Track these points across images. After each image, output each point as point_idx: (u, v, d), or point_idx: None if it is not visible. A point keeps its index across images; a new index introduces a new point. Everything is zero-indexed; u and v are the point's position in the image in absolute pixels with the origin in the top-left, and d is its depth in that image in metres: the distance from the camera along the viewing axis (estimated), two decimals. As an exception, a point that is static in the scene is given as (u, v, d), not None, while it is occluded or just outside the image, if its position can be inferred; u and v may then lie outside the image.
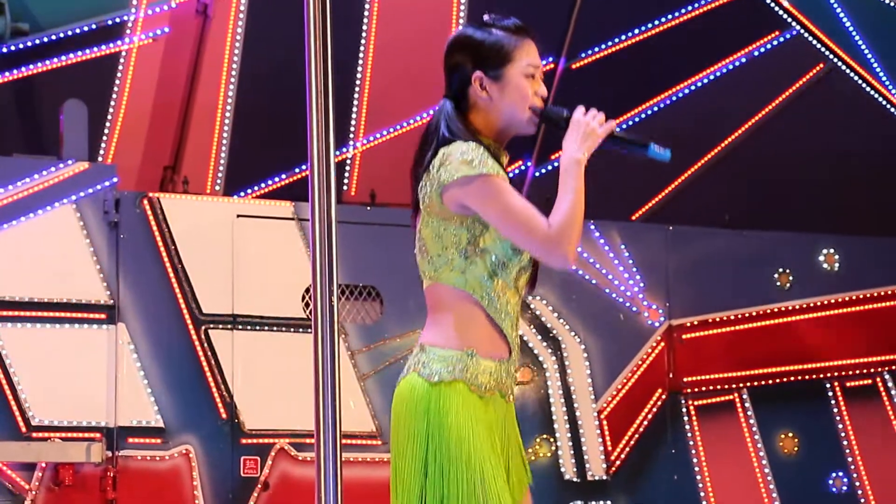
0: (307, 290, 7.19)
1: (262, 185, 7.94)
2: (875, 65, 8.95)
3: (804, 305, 8.34)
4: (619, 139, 3.53)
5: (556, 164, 8.46)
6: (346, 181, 8.04)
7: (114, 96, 7.69)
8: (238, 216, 7.25)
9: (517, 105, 3.51)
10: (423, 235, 3.49)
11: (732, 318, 8.19)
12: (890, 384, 8.44)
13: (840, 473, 8.27)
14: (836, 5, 8.93)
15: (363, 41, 8.08)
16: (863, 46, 8.95)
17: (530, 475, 3.56)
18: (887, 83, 8.96)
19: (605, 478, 7.73)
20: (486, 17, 3.57)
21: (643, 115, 8.64)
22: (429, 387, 3.40)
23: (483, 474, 3.34)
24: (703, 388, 8.07)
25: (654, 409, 7.93)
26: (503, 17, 3.57)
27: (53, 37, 7.60)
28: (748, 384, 8.16)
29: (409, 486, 3.42)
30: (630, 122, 8.59)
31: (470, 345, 3.42)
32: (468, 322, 3.44)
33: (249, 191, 7.86)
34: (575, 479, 7.68)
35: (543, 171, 8.38)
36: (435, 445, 3.38)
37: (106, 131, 7.66)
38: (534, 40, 3.56)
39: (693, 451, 7.98)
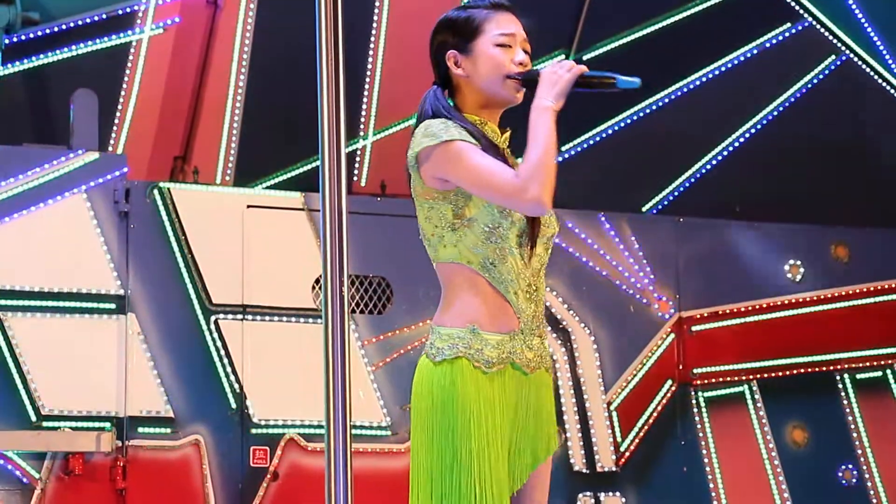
0: (317, 281, 7.19)
1: (273, 175, 7.94)
2: (887, 56, 8.93)
3: (815, 297, 8.33)
4: (587, 80, 3.50)
5: (567, 155, 8.47)
6: (356, 172, 8.04)
7: (124, 86, 7.70)
8: (248, 206, 7.24)
9: (490, 74, 3.53)
10: (419, 221, 3.54)
11: (743, 309, 8.18)
12: (900, 376, 8.44)
13: (850, 465, 8.26)
14: (848, -3, 8.92)
15: (374, 32, 8.08)
16: (875, 38, 8.93)
17: (549, 448, 3.54)
18: (899, 74, 8.95)
19: (614, 469, 7.73)
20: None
21: (654, 107, 8.63)
22: (433, 366, 3.44)
23: (484, 452, 3.37)
24: (713, 380, 8.07)
25: (664, 401, 7.92)
26: None
27: (64, 26, 7.61)
28: (758, 376, 8.16)
29: (420, 466, 3.44)
30: (641, 114, 8.58)
31: (472, 320, 3.44)
32: (471, 296, 3.46)
33: (260, 181, 7.87)
34: (585, 471, 7.68)
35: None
36: (437, 424, 3.40)
37: (116, 121, 7.66)
38: (513, 13, 3.58)
39: (703, 443, 7.98)
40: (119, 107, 7.68)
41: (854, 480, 8.25)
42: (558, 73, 3.47)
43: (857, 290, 8.42)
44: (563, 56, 8.44)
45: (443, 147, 3.41)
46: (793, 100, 8.89)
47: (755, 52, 8.79)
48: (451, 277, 3.48)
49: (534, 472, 3.53)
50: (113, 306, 6.94)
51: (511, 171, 3.38)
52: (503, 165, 3.40)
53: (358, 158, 8.06)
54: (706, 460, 7.96)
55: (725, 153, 8.81)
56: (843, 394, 8.32)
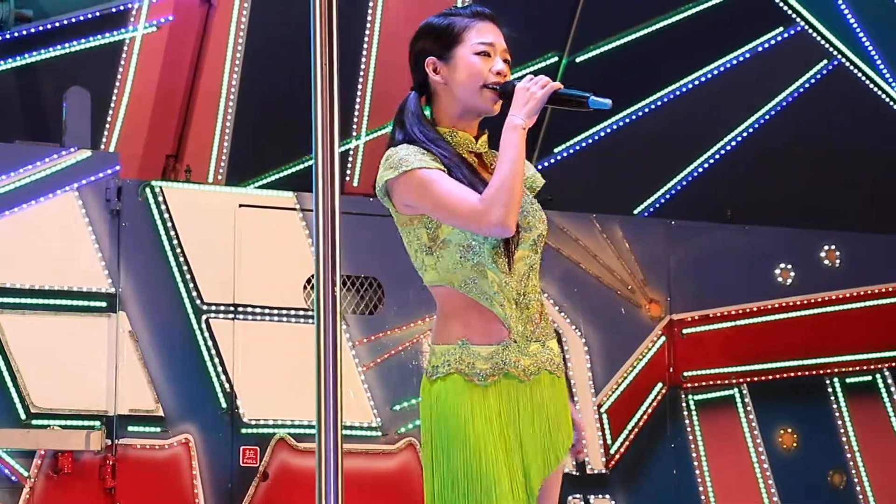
0: (309, 281, 7.19)
1: (265, 175, 7.94)
2: (879, 61, 8.95)
3: (805, 301, 8.34)
4: (560, 97, 3.48)
5: (559, 157, 8.47)
6: (348, 172, 8.04)
7: (117, 84, 7.69)
8: (240, 206, 7.24)
9: (468, 83, 3.52)
10: (405, 247, 3.55)
11: (733, 313, 8.19)
12: (890, 381, 8.45)
13: (839, 469, 8.27)
14: (840, 1, 8.92)
15: (367, 33, 8.08)
16: (867, 43, 8.94)
17: (558, 452, 3.50)
18: (891, 80, 8.96)
19: (604, 472, 7.74)
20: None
21: (646, 110, 8.64)
22: (430, 385, 3.46)
23: (478, 462, 3.36)
24: (704, 383, 8.08)
25: (655, 404, 7.93)
26: (471, 6, 3.59)
27: (57, 24, 7.60)
28: (748, 379, 8.17)
29: (427, 479, 3.46)
30: (633, 117, 8.59)
31: (461, 335, 3.44)
32: (458, 313, 3.45)
33: (252, 180, 7.86)
34: (574, 473, 7.68)
35: (545, 164, 8.38)
36: (436, 440, 3.42)
37: (109, 119, 7.65)
38: (494, 23, 3.57)
39: (693, 446, 7.99)
40: (112, 105, 7.68)
41: (843, 485, 8.26)
42: (531, 90, 3.44)
43: (848, 295, 8.43)
44: (556, 59, 8.44)
45: (403, 178, 3.42)
46: (785, 104, 8.90)
47: (748, 55, 8.80)
48: (439, 298, 3.50)
49: (548, 476, 3.50)
50: (104, 304, 6.94)
51: (474, 195, 3.36)
52: (466, 190, 3.38)
53: (350, 159, 8.06)
54: (696, 463, 7.97)
55: (717, 157, 8.82)
56: (832, 398, 8.33)
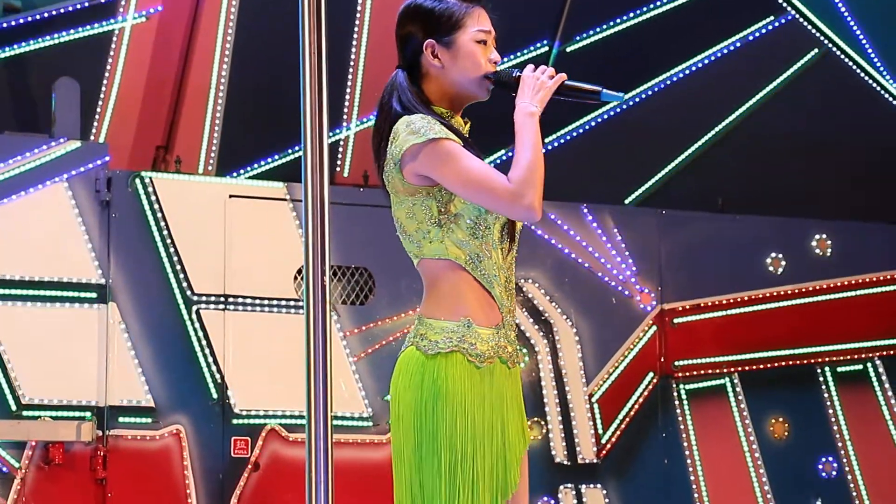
0: (299, 271, 7.18)
1: (255, 165, 7.93)
2: (869, 50, 8.95)
3: (796, 290, 8.35)
4: (571, 88, 3.52)
5: (549, 146, 8.46)
6: (339, 162, 8.04)
7: (106, 75, 7.67)
8: (230, 196, 7.23)
9: (469, 70, 3.53)
10: (397, 216, 3.51)
11: (724, 302, 8.20)
12: (881, 369, 8.46)
13: (830, 458, 8.29)
14: (831, -10, 8.93)
15: (357, 23, 8.07)
16: (857, 31, 8.94)
17: (528, 439, 3.53)
18: (881, 69, 8.96)
19: (595, 461, 7.74)
20: None
21: (637, 99, 8.63)
22: (425, 359, 3.40)
23: (470, 449, 3.36)
24: (695, 373, 8.08)
25: (646, 393, 7.94)
26: None
27: (46, 14, 7.57)
28: (739, 369, 8.18)
29: (404, 458, 3.41)
30: (624, 107, 8.58)
31: (465, 314, 3.42)
32: (460, 291, 3.44)
33: (242, 171, 7.85)
34: (566, 462, 7.69)
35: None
36: (428, 417, 3.37)
37: (98, 110, 7.64)
38: (485, 9, 3.58)
39: (684, 435, 7.99)
40: (101, 95, 7.66)
41: (834, 473, 8.28)
42: (541, 79, 3.48)
43: (839, 284, 8.44)
44: (545, 49, 8.43)
45: (430, 146, 3.38)
46: (775, 92, 8.90)
47: (738, 44, 8.80)
48: (437, 272, 3.45)
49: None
50: (94, 295, 6.93)
51: (500, 174, 3.37)
52: (494, 169, 3.39)
53: (341, 149, 8.05)
54: (687, 453, 7.98)
55: (708, 146, 8.82)
56: (823, 387, 8.35)
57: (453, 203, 3.44)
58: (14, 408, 6.73)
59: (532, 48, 8.36)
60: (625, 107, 8.58)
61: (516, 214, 3.39)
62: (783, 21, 8.88)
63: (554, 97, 3.50)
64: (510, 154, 3.39)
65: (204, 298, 7.11)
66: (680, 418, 8.01)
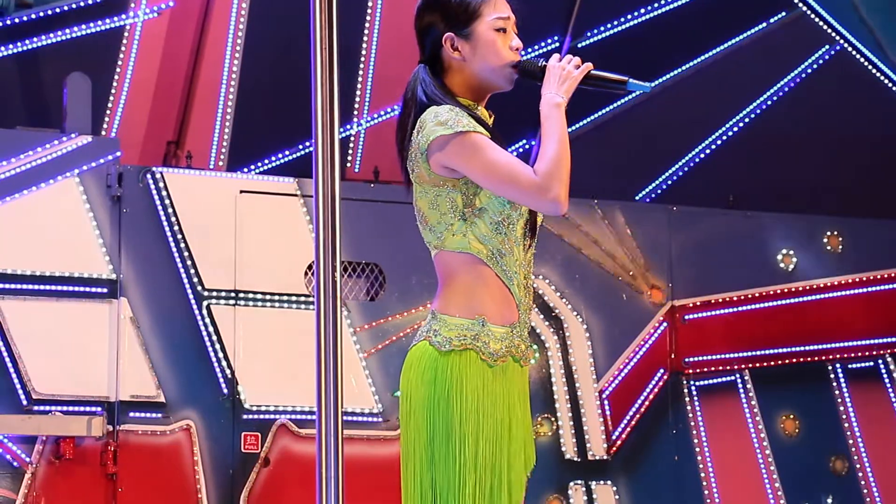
0: (309, 267, 7.18)
1: (266, 160, 7.93)
2: (882, 46, 8.92)
3: (807, 287, 8.33)
4: (598, 78, 3.50)
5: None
6: (349, 158, 8.04)
7: (118, 70, 7.68)
8: (241, 192, 7.23)
9: (491, 60, 3.50)
10: (420, 207, 3.47)
11: (735, 299, 8.18)
12: (892, 367, 8.44)
13: (841, 455, 8.27)
14: (842, -14, 8.91)
15: (368, 18, 8.07)
16: (870, 27, 8.92)
17: (532, 441, 3.50)
18: (892, 65, 8.94)
19: (605, 457, 7.74)
20: None
21: (648, 95, 8.62)
22: (438, 355, 3.37)
23: (482, 447, 3.34)
24: (705, 369, 8.07)
25: (656, 390, 7.93)
26: None
27: (58, 10, 7.58)
28: (750, 365, 8.16)
29: (414, 454, 3.38)
30: (635, 102, 8.56)
31: (480, 312, 3.39)
32: (478, 287, 3.40)
33: (253, 166, 7.85)
34: (576, 459, 7.68)
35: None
36: (440, 414, 3.34)
37: (110, 105, 7.64)
38: None
39: (694, 432, 7.98)
40: (112, 91, 7.67)
41: (845, 471, 8.26)
42: (567, 69, 3.45)
43: (850, 280, 8.42)
44: (556, 46, 8.42)
45: (459, 138, 3.35)
46: (787, 89, 8.88)
47: (749, 40, 8.78)
48: (456, 266, 3.42)
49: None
50: (105, 290, 6.93)
51: (526, 167, 3.34)
52: (521, 162, 3.37)
53: (351, 144, 8.05)
54: (697, 449, 7.97)
55: (719, 142, 8.80)
56: (834, 384, 8.33)
57: (479, 197, 3.41)
58: (25, 402, 6.74)
59: (543, 44, 8.35)
60: (635, 102, 8.57)
61: (542, 207, 3.38)
62: (795, 16, 8.86)
63: (580, 86, 3.48)
64: (531, 144, 3.38)
65: (214, 294, 7.11)
66: (690, 415, 8.00)
